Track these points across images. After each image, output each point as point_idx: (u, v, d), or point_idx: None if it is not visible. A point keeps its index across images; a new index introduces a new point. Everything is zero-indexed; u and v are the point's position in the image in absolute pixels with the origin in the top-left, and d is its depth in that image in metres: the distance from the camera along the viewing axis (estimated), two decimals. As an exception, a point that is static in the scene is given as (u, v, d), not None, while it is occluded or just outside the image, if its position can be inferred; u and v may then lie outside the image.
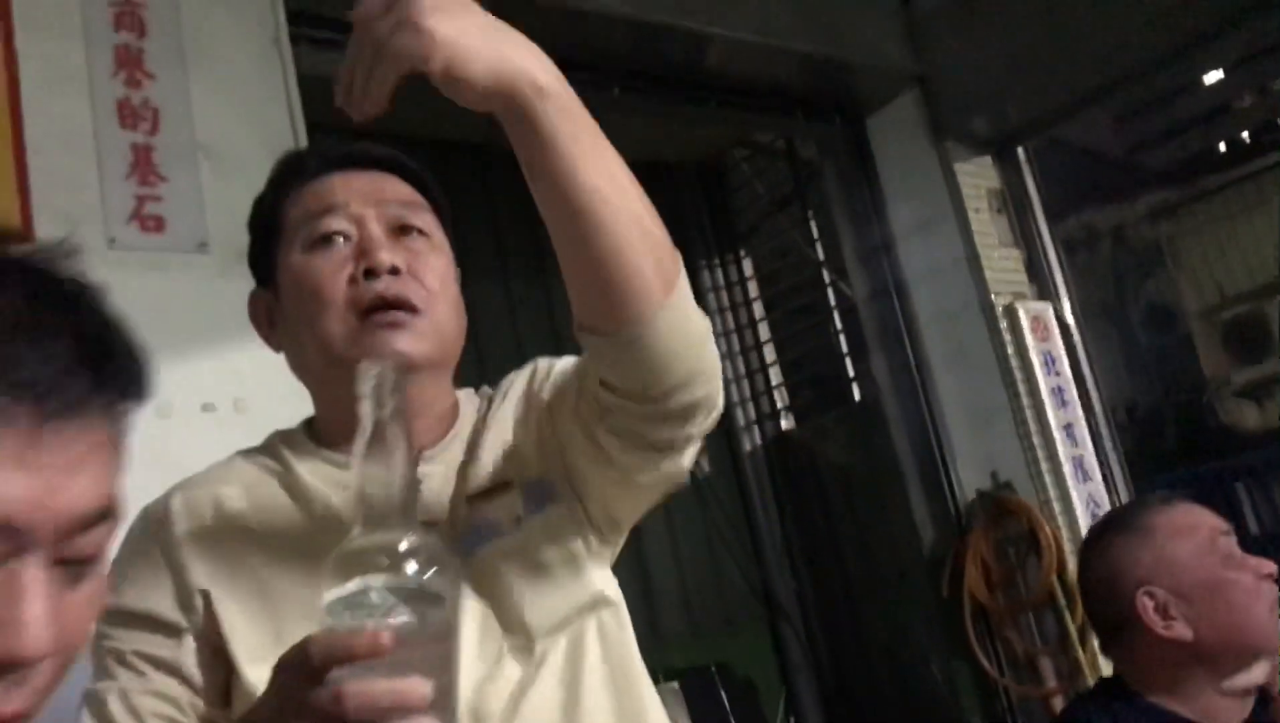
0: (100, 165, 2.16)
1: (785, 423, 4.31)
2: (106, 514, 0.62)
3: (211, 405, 2.12)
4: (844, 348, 4.14)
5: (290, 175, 1.12)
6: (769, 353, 4.36)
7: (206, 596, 1.00)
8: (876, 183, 3.63)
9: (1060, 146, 4.19)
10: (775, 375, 4.34)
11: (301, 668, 0.71)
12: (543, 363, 1.18)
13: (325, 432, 1.09)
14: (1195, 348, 11.03)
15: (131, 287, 2.14)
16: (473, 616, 1.03)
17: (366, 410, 0.77)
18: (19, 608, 0.57)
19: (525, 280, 3.80)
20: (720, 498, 4.16)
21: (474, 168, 3.55)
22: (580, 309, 0.94)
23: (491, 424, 1.13)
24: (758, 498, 4.22)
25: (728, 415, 4.31)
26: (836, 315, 4.14)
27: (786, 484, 4.21)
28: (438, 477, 1.06)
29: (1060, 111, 3.48)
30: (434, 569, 0.73)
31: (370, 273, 1.02)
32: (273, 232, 1.10)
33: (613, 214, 0.88)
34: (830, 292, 4.13)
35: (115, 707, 0.98)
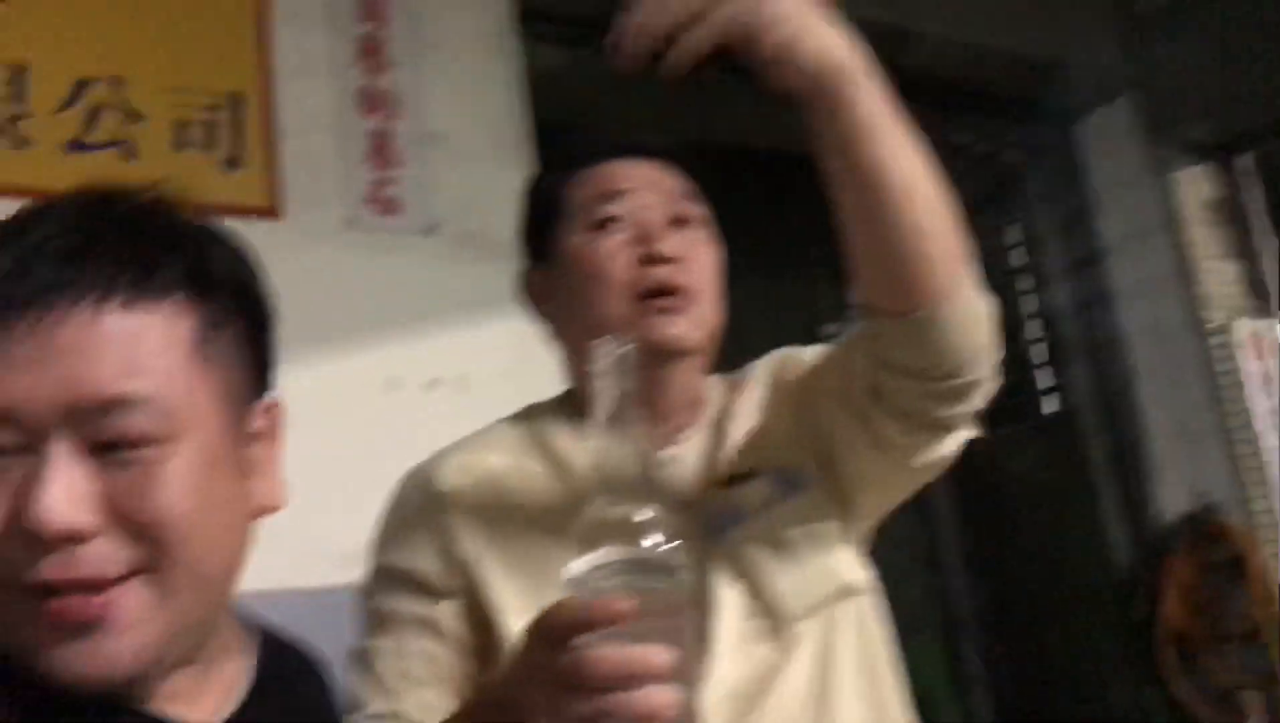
0: (341, 150, 2.27)
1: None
2: (131, 402, 0.66)
3: (438, 381, 2.20)
4: (1036, 360, 4.01)
5: (573, 159, 1.16)
6: (955, 361, 4.26)
7: (472, 561, 1.04)
8: (1085, 189, 3.51)
9: (1268, 160, 3.98)
10: (960, 384, 4.24)
11: (545, 635, 0.73)
12: (789, 352, 1.19)
13: (585, 406, 1.12)
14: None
15: (366, 266, 2.25)
16: (722, 598, 1.05)
17: (606, 387, 0.78)
18: (39, 485, 0.63)
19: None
20: (901, 507, 4.08)
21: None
22: (873, 291, 0.98)
23: (738, 412, 1.15)
24: (939, 509, 4.13)
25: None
26: (1032, 325, 4.01)
27: (969, 496, 4.11)
28: (689, 461, 1.09)
29: (1287, 119, 3.30)
30: (673, 543, 0.74)
31: (651, 259, 1.06)
32: (553, 211, 1.14)
33: (918, 198, 0.92)
34: (1026, 301, 4.01)
35: (385, 665, 1.02)
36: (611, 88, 2.99)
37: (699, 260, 1.10)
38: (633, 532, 0.74)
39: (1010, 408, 4.20)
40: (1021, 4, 3.20)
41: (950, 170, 3.51)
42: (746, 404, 1.17)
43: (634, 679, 0.69)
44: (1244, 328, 3.24)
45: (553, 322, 1.16)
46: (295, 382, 2.22)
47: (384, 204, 2.27)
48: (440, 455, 1.13)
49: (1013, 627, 3.97)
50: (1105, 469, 3.52)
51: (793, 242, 4.15)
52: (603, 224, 1.09)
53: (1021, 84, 3.43)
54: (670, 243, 1.08)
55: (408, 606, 1.05)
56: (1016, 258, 4.05)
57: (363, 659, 1.04)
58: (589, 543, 0.74)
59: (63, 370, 0.64)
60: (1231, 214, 3.38)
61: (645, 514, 0.74)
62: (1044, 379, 4.05)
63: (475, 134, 2.36)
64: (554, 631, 0.72)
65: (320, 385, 2.14)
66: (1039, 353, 4.04)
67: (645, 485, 0.76)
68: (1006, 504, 4.02)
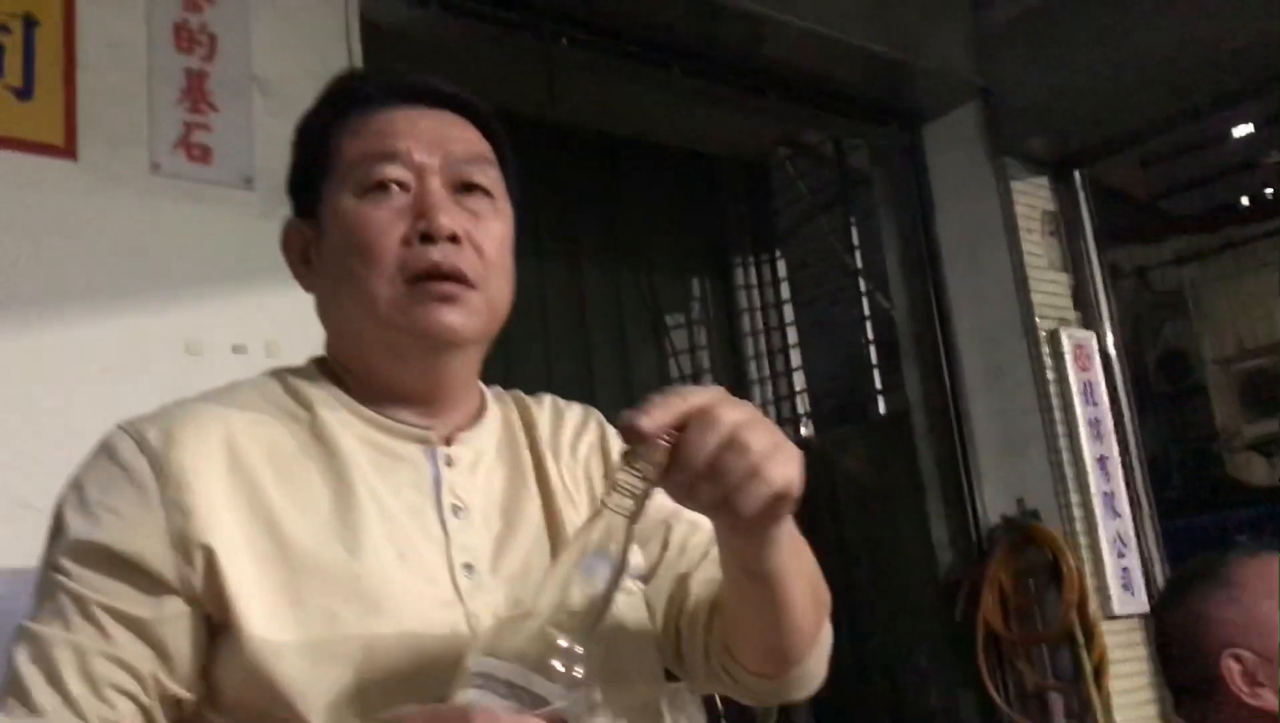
0: (151, 87, 2.07)
1: (804, 430, 4.22)
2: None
3: (243, 347, 2.03)
4: (873, 360, 4.06)
5: (348, 101, 0.99)
6: (795, 357, 4.28)
7: (210, 550, 0.84)
8: (927, 194, 3.54)
9: (1090, 183, 4.12)
10: (799, 381, 4.26)
11: None
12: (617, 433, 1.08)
13: (353, 385, 0.97)
14: (1209, 397, 10.99)
15: (171, 215, 2.07)
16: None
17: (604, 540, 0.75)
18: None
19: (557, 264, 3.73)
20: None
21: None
22: (751, 663, 0.96)
23: (560, 444, 1.03)
24: (770, 504, 4.14)
25: (746, 417, 4.23)
26: (869, 326, 4.06)
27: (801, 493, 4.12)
28: (465, 461, 0.96)
29: (1122, 139, 3.40)
30: (596, 693, 0.73)
31: (427, 237, 0.92)
32: (321, 162, 0.98)
33: (801, 597, 0.90)
34: (865, 302, 4.05)
35: (66, 664, 0.81)
36: (452, 49, 2.88)
37: (484, 237, 0.95)
38: (567, 667, 0.71)
39: (846, 408, 4.24)
40: (880, 2, 3.20)
41: (797, 168, 3.48)
42: (563, 446, 1.04)
43: None
44: (1070, 338, 3.31)
45: (315, 289, 1.00)
46: (85, 339, 2.03)
47: (195, 150, 2.09)
48: (170, 411, 0.92)
49: (836, 624, 4.00)
50: (933, 471, 3.56)
51: (639, 231, 4.11)
52: (375, 189, 0.94)
53: (873, 84, 3.44)
54: (451, 218, 0.93)
55: (116, 598, 0.83)
56: (858, 259, 4.09)
57: (38, 645, 0.82)
58: (517, 649, 0.71)
59: None
60: (1064, 227, 3.46)
61: (586, 661, 0.72)
62: (879, 381, 4.10)
63: (302, 83, 2.18)
64: None
65: (112, 345, 1.96)
66: (875, 355, 4.09)
67: (589, 628, 0.73)
68: (838, 503, 4.05)
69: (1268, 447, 10.17)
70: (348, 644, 0.82)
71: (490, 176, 0.99)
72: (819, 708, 3.95)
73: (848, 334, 4.19)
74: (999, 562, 3.30)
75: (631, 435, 0.73)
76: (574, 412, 1.08)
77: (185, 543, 0.84)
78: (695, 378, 4.18)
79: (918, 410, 3.60)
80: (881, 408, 4.08)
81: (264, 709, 0.81)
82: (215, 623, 0.84)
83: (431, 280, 0.91)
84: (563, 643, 0.71)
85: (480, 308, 0.94)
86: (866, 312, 4.08)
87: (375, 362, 0.95)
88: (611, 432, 1.07)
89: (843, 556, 4.00)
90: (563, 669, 0.71)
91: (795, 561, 0.88)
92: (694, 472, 0.74)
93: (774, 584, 0.87)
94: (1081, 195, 3.50)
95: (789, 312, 4.31)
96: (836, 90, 3.42)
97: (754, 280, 4.33)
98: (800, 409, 4.25)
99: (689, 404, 0.75)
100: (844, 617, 3.97)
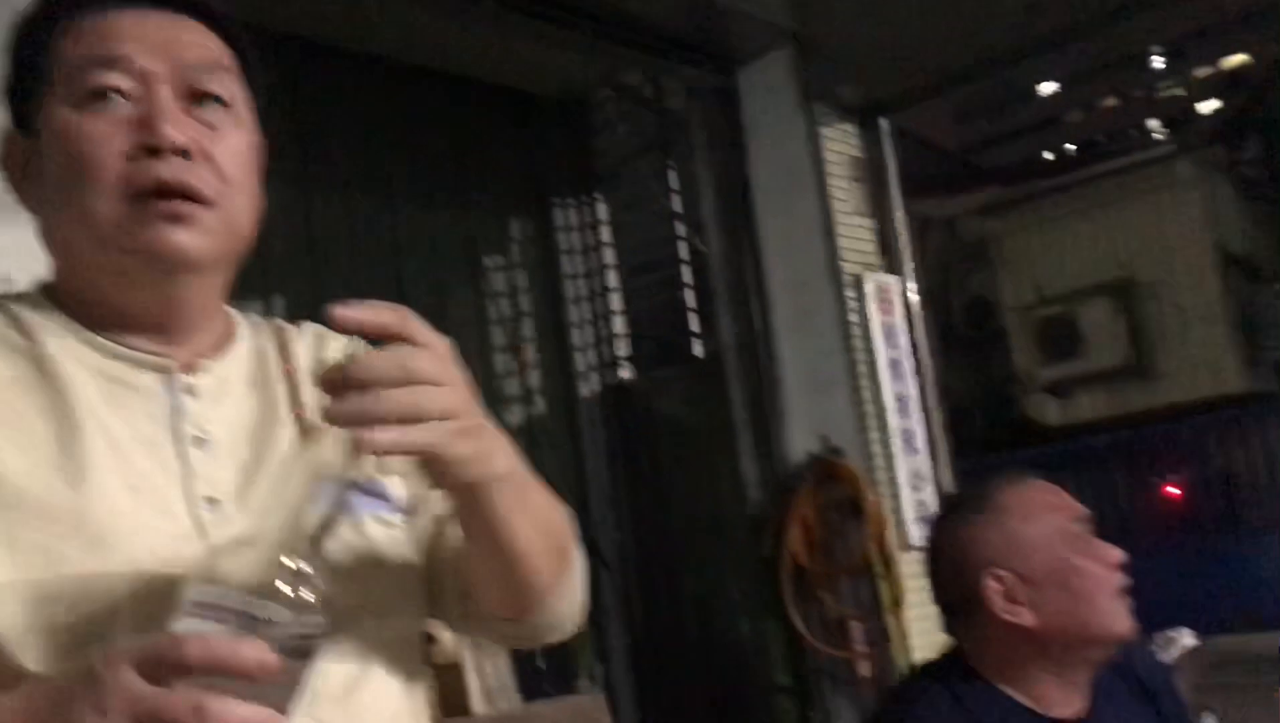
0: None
1: (624, 373, 4.26)
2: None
3: (5, 278, 1.91)
4: (690, 303, 4.11)
5: (70, 0, 0.91)
6: (615, 301, 4.30)
7: None
8: (741, 138, 3.60)
9: (902, 136, 4.27)
10: (619, 325, 4.28)
11: (158, 663, 0.64)
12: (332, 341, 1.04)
13: (82, 312, 0.90)
14: (1009, 342, 11.62)
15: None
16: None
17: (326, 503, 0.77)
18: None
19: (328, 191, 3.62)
20: (553, 443, 4.10)
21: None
22: (487, 606, 0.96)
23: (311, 375, 0.99)
24: (590, 445, 4.17)
25: (566, 361, 4.24)
26: (686, 270, 4.11)
27: (620, 434, 4.17)
28: (209, 391, 0.91)
29: (929, 89, 3.53)
30: (321, 619, 0.70)
31: (152, 150, 0.85)
32: (38, 68, 0.90)
33: (528, 547, 0.90)
34: (683, 246, 4.10)
35: None
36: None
37: (220, 150, 0.88)
38: (294, 588, 0.69)
39: (665, 351, 4.30)
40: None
41: (617, 110, 3.47)
42: (306, 368, 0.99)
43: None
44: (874, 282, 3.44)
45: (35, 207, 0.92)
46: None
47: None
48: None
49: (652, 561, 4.08)
50: (744, 412, 3.66)
51: (456, 170, 4.03)
52: (94, 98, 0.86)
53: (689, 25, 3.46)
54: (180, 129, 0.86)
55: None
56: (677, 203, 4.13)
57: None
58: (236, 575, 0.71)
59: None
60: (870, 174, 3.57)
61: (312, 583, 0.70)
62: (697, 324, 4.16)
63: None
64: (180, 662, 0.64)
65: None
66: (693, 298, 4.15)
67: (315, 551, 0.73)
68: (655, 444, 4.12)
69: (1060, 389, 10.84)
70: (70, 584, 0.78)
71: (228, 86, 0.92)
72: (635, 639, 4.05)
73: (666, 278, 4.23)
74: (804, 498, 3.43)
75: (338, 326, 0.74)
76: (338, 342, 1.02)
77: None
78: (515, 321, 4.16)
79: (730, 353, 3.69)
80: (699, 351, 4.15)
81: None
82: None
83: (158, 198, 0.85)
84: (288, 564, 0.69)
85: (216, 228, 0.87)
86: (684, 255, 4.12)
87: (103, 287, 0.88)
88: (323, 339, 1.04)
89: (659, 493, 4.08)
90: (289, 592, 0.69)
91: (518, 513, 0.87)
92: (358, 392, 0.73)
93: (494, 535, 0.87)
94: (888, 143, 3.61)
95: (609, 254, 4.32)
96: (654, 29, 3.43)
97: (574, 222, 4.32)
98: (620, 352, 4.28)
99: (395, 320, 0.74)
100: (658, 553, 4.06)
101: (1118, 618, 1.44)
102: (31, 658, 0.76)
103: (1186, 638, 3.44)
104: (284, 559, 0.70)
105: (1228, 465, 9.91)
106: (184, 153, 0.86)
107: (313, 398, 0.96)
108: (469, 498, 0.84)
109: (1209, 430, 9.98)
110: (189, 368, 0.91)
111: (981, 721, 1.44)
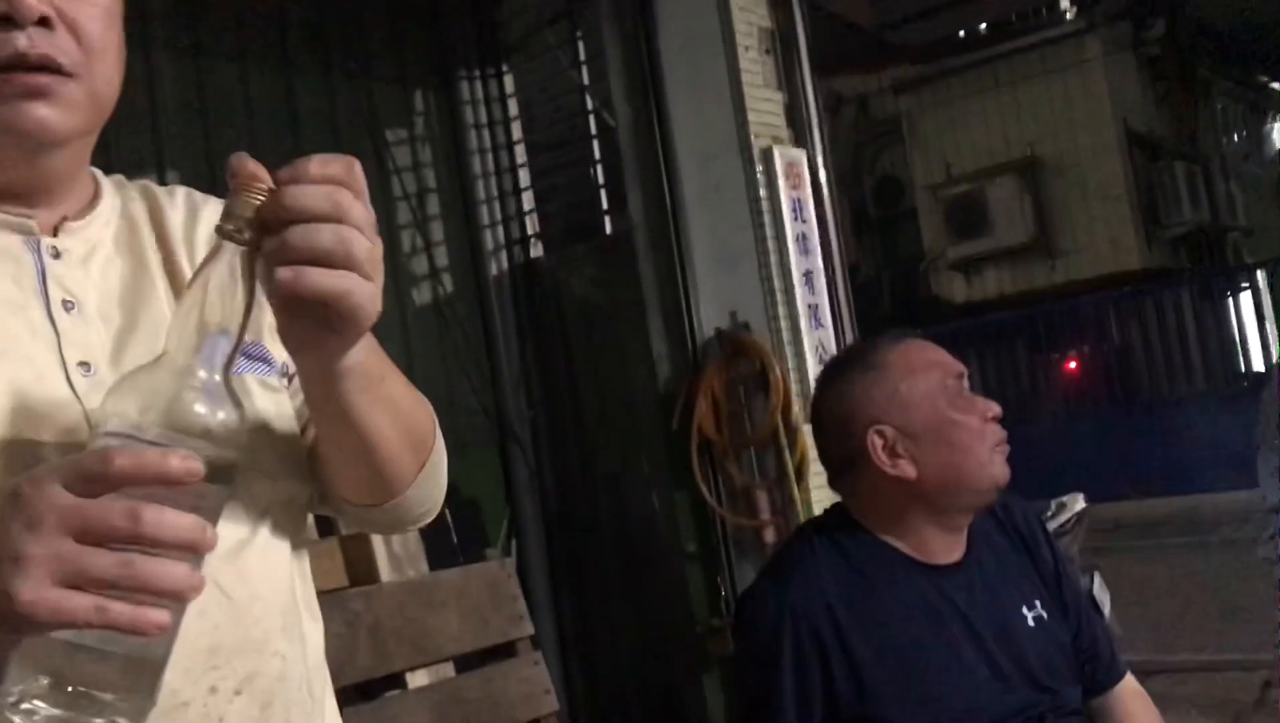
0: None
1: (534, 251, 4.23)
2: None
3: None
4: (600, 179, 4.08)
5: None
6: (523, 177, 4.24)
7: None
8: (650, 8, 3.52)
9: (817, 11, 4.22)
10: (528, 201, 4.23)
11: (87, 478, 0.65)
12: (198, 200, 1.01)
13: None
14: (918, 221, 11.75)
15: None
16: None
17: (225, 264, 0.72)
18: None
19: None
20: (461, 322, 4.08)
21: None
22: (345, 493, 0.95)
23: (186, 239, 0.95)
24: (499, 323, 4.16)
25: (475, 239, 4.19)
26: (596, 145, 4.06)
27: (530, 312, 4.16)
28: (75, 254, 0.87)
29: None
30: (235, 451, 0.71)
31: (8, 20, 0.79)
32: None
33: (387, 439, 0.89)
34: (592, 120, 4.04)
35: None
36: None
37: (85, 19, 0.84)
38: (209, 401, 0.70)
39: (575, 228, 4.27)
40: None
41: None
42: (208, 237, 0.94)
43: (179, 548, 0.66)
44: (782, 156, 3.43)
45: None
46: None
47: None
48: None
49: (563, 437, 4.12)
50: (654, 288, 3.66)
51: (356, 40, 3.90)
52: None
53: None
54: None
55: None
56: (584, 75, 4.05)
57: None
58: (154, 390, 0.69)
59: None
60: (780, 45, 3.53)
61: (224, 391, 0.71)
62: (605, 200, 4.13)
63: None
64: (106, 474, 0.65)
65: None
66: (602, 174, 4.11)
67: (226, 360, 0.72)
68: (566, 322, 4.12)
69: (967, 267, 11.05)
70: None
71: None
72: (547, 513, 4.11)
73: (576, 152, 4.18)
74: (712, 372, 3.47)
75: (233, 172, 0.72)
76: (211, 205, 0.99)
77: None
78: (419, 197, 4.08)
79: (640, 229, 3.67)
80: (608, 228, 4.12)
81: None
82: None
83: (16, 72, 0.80)
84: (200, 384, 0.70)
85: (80, 101, 0.84)
86: (593, 130, 4.07)
87: None
88: (192, 199, 1.01)
89: (571, 372, 4.10)
90: (207, 413, 0.70)
91: (377, 402, 0.86)
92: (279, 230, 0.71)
93: (352, 425, 0.86)
94: (798, 13, 3.56)
95: (516, 129, 4.24)
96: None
97: (481, 96, 4.22)
98: (530, 230, 4.24)
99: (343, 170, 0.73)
100: (572, 430, 4.09)
101: (994, 468, 1.50)
102: None
103: (1079, 503, 3.59)
104: (200, 376, 0.70)
105: (1125, 340, 10.28)
106: (44, 21, 0.80)
107: (188, 261, 0.94)
108: (328, 379, 0.82)
109: (1108, 306, 10.31)
110: (52, 231, 0.88)
111: (864, 569, 1.51)
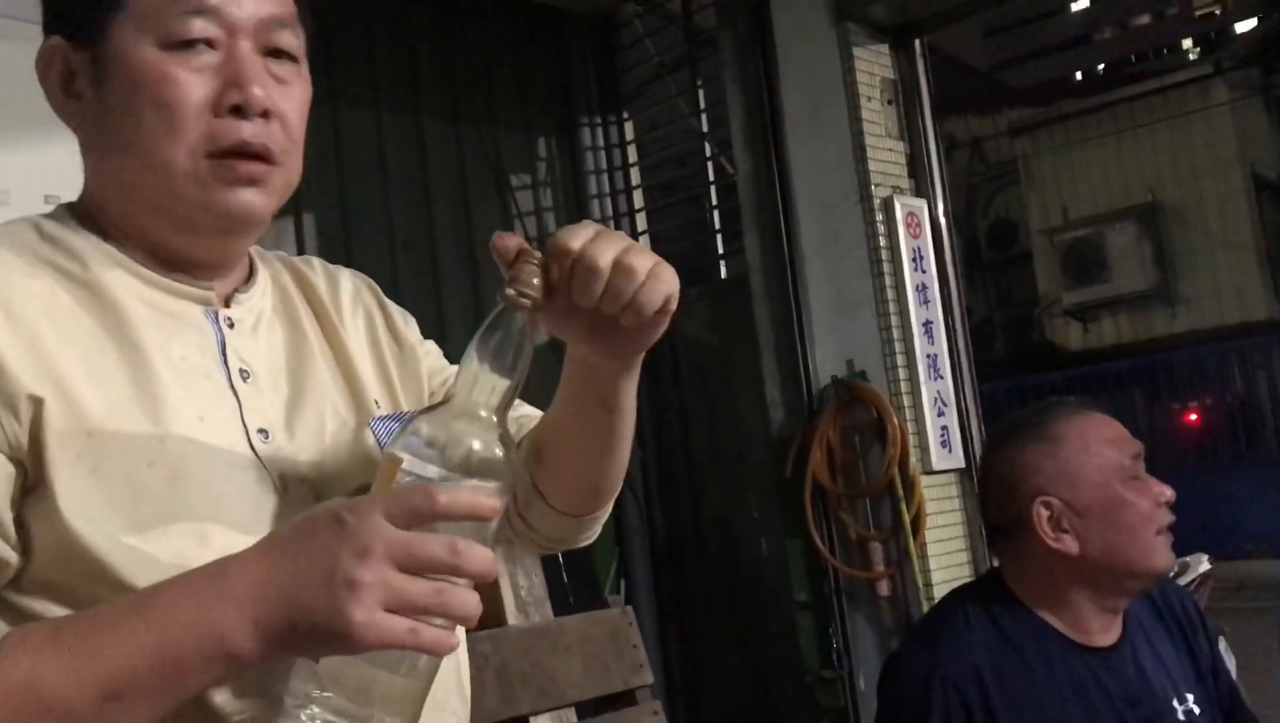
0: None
1: (648, 293, 4.27)
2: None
3: (56, 197, 1.93)
4: (717, 224, 4.11)
5: None
6: (640, 221, 4.30)
7: (39, 402, 0.79)
8: (772, 57, 3.55)
9: (931, 51, 4.20)
10: (645, 245, 4.28)
11: (413, 512, 0.71)
12: (382, 299, 1.08)
13: (122, 242, 0.89)
14: (1033, 265, 11.51)
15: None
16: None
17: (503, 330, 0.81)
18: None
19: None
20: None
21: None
22: (569, 503, 1.03)
23: (334, 306, 1.01)
24: (613, 364, 4.20)
25: (590, 280, 4.24)
26: (713, 190, 4.10)
27: (645, 354, 4.19)
28: (246, 324, 0.92)
29: (961, 8, 3.47)
30: (509, 463, 0.79)
31: (238, 110, 0.85)
32: None
33: (631, 433, 1.00)
34: (710, 166, 4.08)
35: None
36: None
37: (290, 110, 0.89)
38: (487, 439, 0.77)
39: (690, 272, 4.30)
40: None
41: (645, 26, 3.42)
42: (350, 307, 1.02)
43: (480, 578, 0.72)
44: (903, 205, 3.42)
45: (82, 129, 0.91)
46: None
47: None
48: None
49: (674, 479, 4.14)
50: (769, 333, 3.67)
51: (483, 88, 4.00)
52: (181, 44, 0.85)
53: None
54: (265, 90, 0.86)
55: None
56: (704, 123, 4.10)
57: None
58: (444, 426, 0.77)
59: None
60: (902, 96, 3.53)
61: (499, 430, 0.78)
62: (722, 245, 4.16)
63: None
64: (425, 510, 0.71)
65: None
66: (719, 219, 4.14)
67: (506, 407, 0.80)
68: (679, 364, 4.15)
69: (1083, 313, 10.80)
70: (155, 509, 0.79)
71: (297, 40, 0.92)
72: (657, 557, 4.12)
73: (693, 198, 4.22)
74: (828, 420, 3.46)
75: (501, 250, 0.81)
76: (345, 275, 1.06)
77: (7, 393, 0.78)
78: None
79: (756, 274, 3.68)
80: (724, 272, 4.15)
81: (73, 583, 0.77)
82: (28, 483, 0.79)
83: (239, 159, 0.86)
84: (494, 425, 0.78)
85: (280, 187, 0.90)
86: (711, 176, 4.11)
87: (159, 229, 0.89)
88: (381, 292, 1.09)
89: (682, 414, 4.12)
90: (499, 453, 0.77)
91: (631, 413, 0.96)
92: (593, 284, 0.82)
93: (621, 415, 0.95)
94: (920, 64, 3.56)
95: (636, 175, 4.31)
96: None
97: (601, 142, 4.29)
98: (644, 272, 4.28)
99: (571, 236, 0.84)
100: (682, 472, 4.10)
101: (1159, 554, 1.47)
102: (135, 582, 0.77)
103: (1204, 564, 3.47)
104: (487, 420, 0.78)
105: (1248, 392, 9.90)
106: (265, 113, 0.86)
107: (343, 328, 1.00)
108: (621, 373, 0.93)
109: (1232, 356, 9.95)
110: (225, 301, 0.93)
111: (1017, 642, 1.48)
